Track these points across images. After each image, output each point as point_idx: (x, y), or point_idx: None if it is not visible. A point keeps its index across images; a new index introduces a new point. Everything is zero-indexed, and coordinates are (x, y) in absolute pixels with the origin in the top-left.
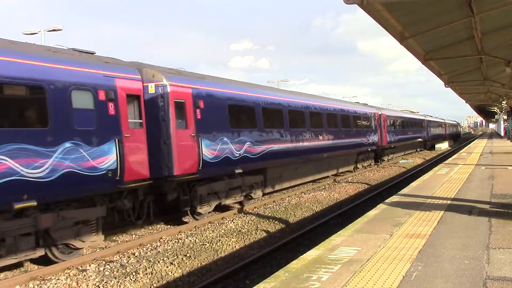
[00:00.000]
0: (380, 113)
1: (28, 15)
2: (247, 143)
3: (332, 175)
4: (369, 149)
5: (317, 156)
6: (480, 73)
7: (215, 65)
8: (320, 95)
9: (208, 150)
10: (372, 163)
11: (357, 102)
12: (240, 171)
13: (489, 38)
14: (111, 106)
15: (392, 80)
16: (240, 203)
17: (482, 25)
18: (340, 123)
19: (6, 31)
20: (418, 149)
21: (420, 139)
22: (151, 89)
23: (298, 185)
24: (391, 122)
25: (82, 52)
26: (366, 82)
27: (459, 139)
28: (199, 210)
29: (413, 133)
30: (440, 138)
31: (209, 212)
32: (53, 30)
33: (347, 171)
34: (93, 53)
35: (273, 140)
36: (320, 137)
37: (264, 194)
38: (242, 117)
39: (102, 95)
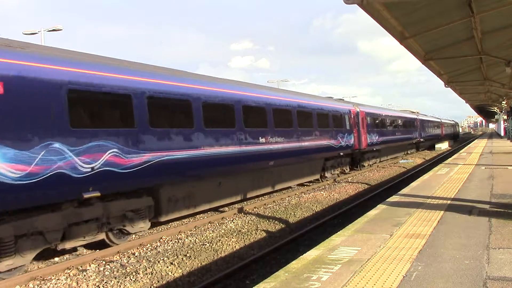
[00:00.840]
0: (357, 110)
1: (28, 15)
2: (112, 150)
3: (283, 188)
4: (342, 153)
5: (256, 165)
6: (480, 73)
7: (215, 65)
8: (267, 86)
9: (10, 166)
10: (346, 170)
11: (330, 97)
12: (96, 194)
13: (489, 38)
14: None
15: (392, 80)
16: (106, 244)
17: (482, 25)
18: (295, 122)
19: (6, 31)
20: (409, 151)
21: (411, 141)
22: None
23: (227, 204)
24: (373, 121)
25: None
26: (366, 82)
27: (458, 140)
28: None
29: (402, 133)
30: (436, 139)
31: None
32: (53, 30)
33: (310, 182)
34: None
35: (171, 144)
36: (262, 140)
37: (158, 224)
38: (103, 111)
39: None
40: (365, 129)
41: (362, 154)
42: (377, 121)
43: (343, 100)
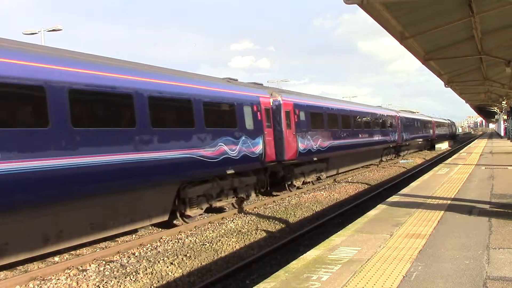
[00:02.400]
0: (279, 99)
1: (28, 15)
2: None
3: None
4: (229, 171)
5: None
6: (480, 73)
7: (216, 65)
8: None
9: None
10: (250, 197)
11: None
12: None
13: (489, 38)
14: None
15: (392, 80)
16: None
17: (482, 25)
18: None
19: (6, 31)
20: (384, 159)
21: (386, 145)
22: None
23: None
24: (313, 117)
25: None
26: (366, 82)
27: (455, 141)
28: None
29: (370, 135)
30: (425, 141)
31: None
32: (53, 30)
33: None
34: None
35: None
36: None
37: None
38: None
39: None
40: (292, 129)
41: (288, 168)
42: (320, 118)
43: (236, 81)
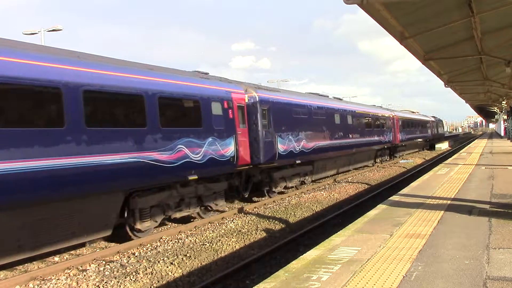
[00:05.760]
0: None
1: (28, 15)
2: None
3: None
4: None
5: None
6: (480, 73)
7: (216, 65)
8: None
9: None
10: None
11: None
12: None
13: (489, 38)
14: None
15: (392, 80)
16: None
17: (482, 25)
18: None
19: (6, 31)
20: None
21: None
22: None
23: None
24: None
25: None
26: (366, 82)
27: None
28: None
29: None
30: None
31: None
32: (53, 30)
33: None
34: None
35: None
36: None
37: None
38: None
39: None
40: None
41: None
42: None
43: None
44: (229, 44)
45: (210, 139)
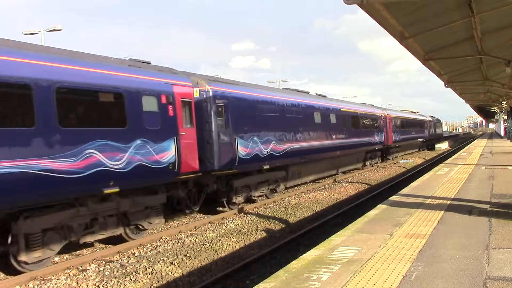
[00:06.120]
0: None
1: (28, 15)
2: None
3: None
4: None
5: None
6: (480, 73)
7: (216, 65)
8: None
9: None
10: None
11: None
12: None
13: (489, 38)
14: None
15: (392, 80)
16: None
17: (482, 25)
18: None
19: (6, 31)
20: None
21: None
22: None
23: None
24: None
25: None
26: (366, 82)
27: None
28: None
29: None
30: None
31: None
32: (53, 30)
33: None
34: None
35: None
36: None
37: None
38: None
39: None
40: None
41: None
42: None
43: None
44: (229, 44)
45: (138, 141)
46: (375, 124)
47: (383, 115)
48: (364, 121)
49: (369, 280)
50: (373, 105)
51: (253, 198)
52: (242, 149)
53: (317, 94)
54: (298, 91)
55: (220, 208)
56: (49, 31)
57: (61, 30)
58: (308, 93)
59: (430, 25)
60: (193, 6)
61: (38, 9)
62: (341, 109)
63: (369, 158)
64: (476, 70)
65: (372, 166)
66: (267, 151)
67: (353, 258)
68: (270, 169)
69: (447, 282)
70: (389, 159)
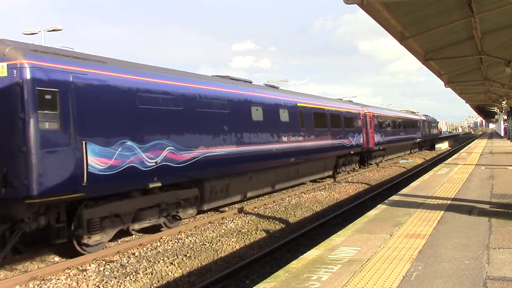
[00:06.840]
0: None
1: (28, 15)
2: None
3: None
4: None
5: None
6: (480, 73)
7: (216, 65)
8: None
9: None
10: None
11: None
12: None
13: (489, 38)
14: None
15: (392, 80)
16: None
17: (482, 25)
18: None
19: (6, 31)
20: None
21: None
22: None
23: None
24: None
25: None
26: (366, 82)
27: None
28: None
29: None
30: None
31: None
32: (53, 30)
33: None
34: None
35: None
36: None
37: None
38: None
39: None
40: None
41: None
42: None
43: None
44: (229, 44)
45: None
46: (351, 124)
47: (362, 113)
48: (335, 119)
49: (369, 280)
50: (351, 101)
51: (132, 232)
52: (98, 160)
53: (266, 85)
54: (233, 78)
55: (221, 208)
56: (49, 31)
57: (61, 30)
58: (251, 82)
59: (430, 25)
60: (193, 6)
61: (38, 9)
62: (298, 104)
63: (342, 165)
64: (476, 70)
65: (349, 173)
66: (156, 161)
67: (353, 258)
68: (168, 186)
69: (447, 282)
70: (371, 163)
